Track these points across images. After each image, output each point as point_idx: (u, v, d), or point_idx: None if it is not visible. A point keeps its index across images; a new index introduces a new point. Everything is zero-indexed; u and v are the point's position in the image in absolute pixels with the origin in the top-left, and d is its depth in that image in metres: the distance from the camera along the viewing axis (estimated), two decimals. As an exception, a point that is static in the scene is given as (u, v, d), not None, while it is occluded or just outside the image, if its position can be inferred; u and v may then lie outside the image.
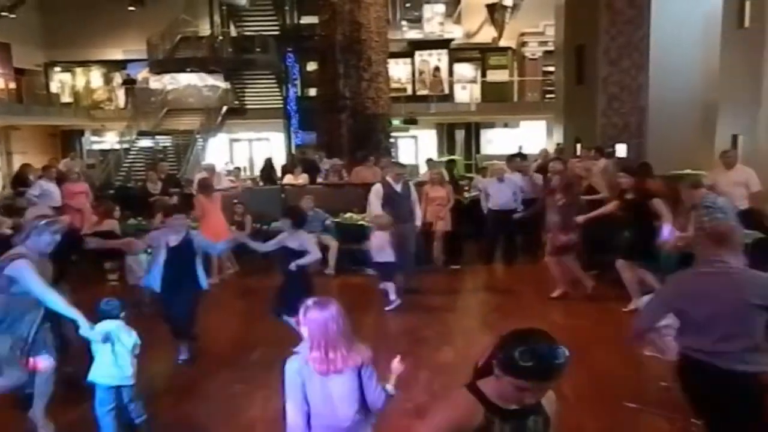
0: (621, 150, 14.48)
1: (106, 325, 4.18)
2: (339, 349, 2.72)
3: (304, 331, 2.78)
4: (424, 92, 24.33)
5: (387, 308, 7.44)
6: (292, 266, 5.77)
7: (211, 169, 11.44)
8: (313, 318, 2.73)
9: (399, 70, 24.05)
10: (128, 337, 4.23)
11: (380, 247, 7.45)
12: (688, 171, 11.96)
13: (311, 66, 21.45)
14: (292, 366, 2.78)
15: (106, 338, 4.13)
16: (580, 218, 7.60)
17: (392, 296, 7.49)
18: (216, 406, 5.06)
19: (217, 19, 23.86)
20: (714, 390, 3.30)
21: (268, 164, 17.10)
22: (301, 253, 5.81)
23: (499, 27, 23.47)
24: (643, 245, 6.97)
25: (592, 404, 4.75)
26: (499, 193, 9.68)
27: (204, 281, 5.94)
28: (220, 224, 8.60)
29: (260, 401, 4.96)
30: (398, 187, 8.12)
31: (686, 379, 3.48)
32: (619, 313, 6.83)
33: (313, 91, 20.57)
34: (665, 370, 4.58)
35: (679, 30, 14.96)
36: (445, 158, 21.24)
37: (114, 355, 4.15)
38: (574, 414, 4.39)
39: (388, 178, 8.28)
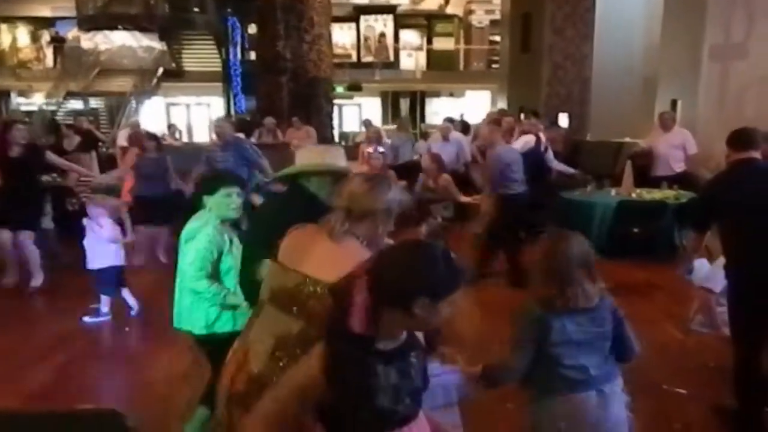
0: (563, 119, 14.40)
1: None
2: None
3: None
4: (369, 59, 23.86)
5: None
6: None
7: (136, 124, 10.81)
8: None
9: (343, 36, 23.51)
10: None
11: None
12: (627, 139, 11.99)
13: (252, 29, 20.66)
14: None
15: None
16: None
17: None
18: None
19: (153, -26, 22.65)
20: None
21: None
22: None
23: (447, -7, 23.16)
24: None
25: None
26: (443, 153, 9.36)
27: None
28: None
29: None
30: None
31: None
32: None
33: (253, 55, 19.86)
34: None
35: (623, 1, 14.95)
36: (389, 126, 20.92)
37: None
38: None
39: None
